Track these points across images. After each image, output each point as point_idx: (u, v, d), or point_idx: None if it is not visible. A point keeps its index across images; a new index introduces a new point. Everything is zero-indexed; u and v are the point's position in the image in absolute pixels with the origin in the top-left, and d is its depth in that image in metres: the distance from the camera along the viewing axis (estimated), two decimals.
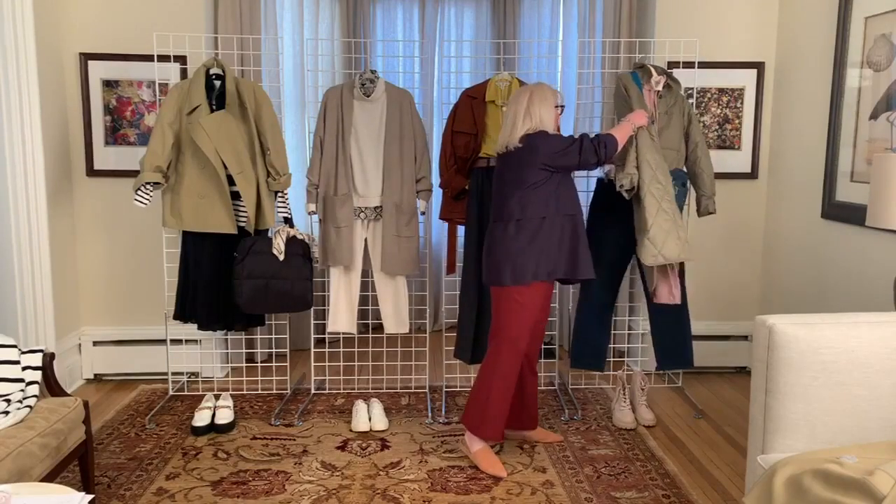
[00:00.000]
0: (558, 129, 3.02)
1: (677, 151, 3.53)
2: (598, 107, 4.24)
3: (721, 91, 4.06)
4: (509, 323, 2.93)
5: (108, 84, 3.87)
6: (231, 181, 3.38)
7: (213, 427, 3.33)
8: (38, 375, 2.53)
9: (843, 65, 3.40)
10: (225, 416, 3.34)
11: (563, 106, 3.01)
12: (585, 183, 3.93)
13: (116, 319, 4.05)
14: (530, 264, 2.88)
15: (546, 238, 2.89)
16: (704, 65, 3.97)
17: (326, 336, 4.27)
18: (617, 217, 3.52)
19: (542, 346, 3.49)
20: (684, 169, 3.59)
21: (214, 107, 3.40)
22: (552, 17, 4.81)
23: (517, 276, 2.88)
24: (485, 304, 3.62)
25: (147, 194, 3.40)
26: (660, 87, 3.48)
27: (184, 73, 3.85)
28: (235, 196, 3.44)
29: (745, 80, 4.06)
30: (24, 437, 2.22)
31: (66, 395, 2.60)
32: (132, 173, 3.83)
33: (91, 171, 3.91)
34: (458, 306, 3.72)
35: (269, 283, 3.42)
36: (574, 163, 2.88)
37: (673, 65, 3.93)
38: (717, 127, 4.09)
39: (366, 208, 3.60)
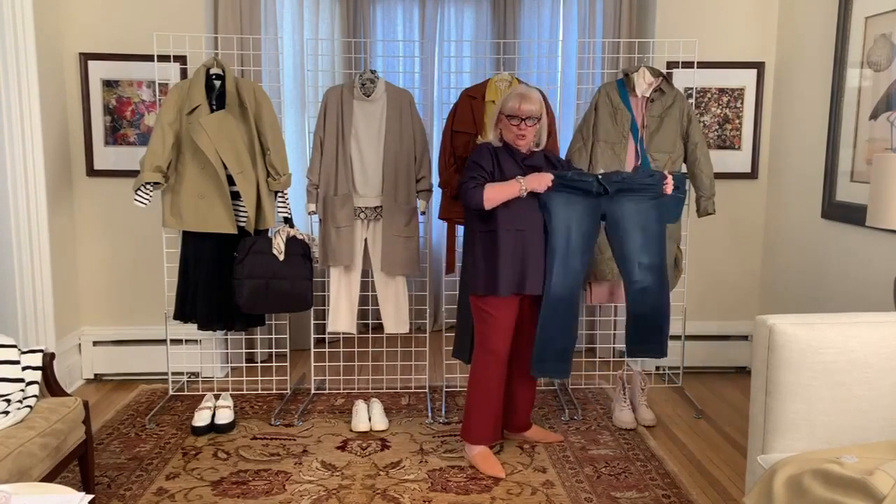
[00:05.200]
0: (494, 137, 2.97)
1: (669, 154, 3.52)
2: None
3: (721, 91, 4.06)
4: (482, 330, 2.96)
5: (108, 84, 3.87)
6: (231, 181, 3.38)
7: (213, 427, 3.33)
8: (38, 375, 2.53)
9: (843, 65, 3.40)
10: (225, 416, 3.34)
11: (520, 118, 2.84)
12: None
13: (116, 319, 4.05)
14: (489, 276, 2.88)
15: (496, 252, 2.86)
16: (704, 65, 3.97)
17: (326, 336, 4.27)
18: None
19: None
20: (681, 170, 3.58)
21: (214, 107, 3.40)
22: (552, 17, 4.81)
23: (476, 286, 2.92)
24: None
25: (147, 194, 3.40)
26: (648, 94, 3.48)
27: (184, 73, 3.85)
28: (235, 196, 3.44)
29: (745, 80, 4.05)
30: (24, 437, 2.22)
31: (66, 395, 2.61)
32: (132, 173, 3.83)
33: (91, 171, 3.91)
34: (456, 306, 3.71)
35: (269, 283, 3.42)
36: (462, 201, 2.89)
37: (673, 65, 3.93)
38: (717, 127, 4.09)
39: (366, 208, 3.60)
